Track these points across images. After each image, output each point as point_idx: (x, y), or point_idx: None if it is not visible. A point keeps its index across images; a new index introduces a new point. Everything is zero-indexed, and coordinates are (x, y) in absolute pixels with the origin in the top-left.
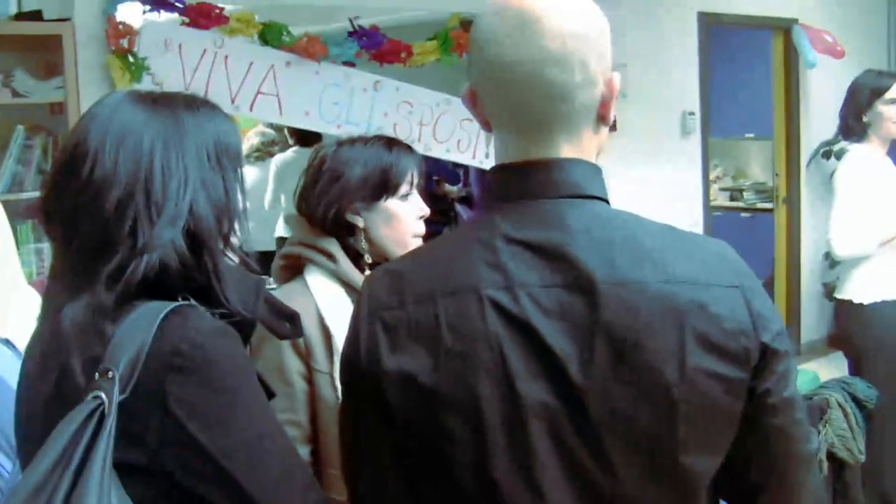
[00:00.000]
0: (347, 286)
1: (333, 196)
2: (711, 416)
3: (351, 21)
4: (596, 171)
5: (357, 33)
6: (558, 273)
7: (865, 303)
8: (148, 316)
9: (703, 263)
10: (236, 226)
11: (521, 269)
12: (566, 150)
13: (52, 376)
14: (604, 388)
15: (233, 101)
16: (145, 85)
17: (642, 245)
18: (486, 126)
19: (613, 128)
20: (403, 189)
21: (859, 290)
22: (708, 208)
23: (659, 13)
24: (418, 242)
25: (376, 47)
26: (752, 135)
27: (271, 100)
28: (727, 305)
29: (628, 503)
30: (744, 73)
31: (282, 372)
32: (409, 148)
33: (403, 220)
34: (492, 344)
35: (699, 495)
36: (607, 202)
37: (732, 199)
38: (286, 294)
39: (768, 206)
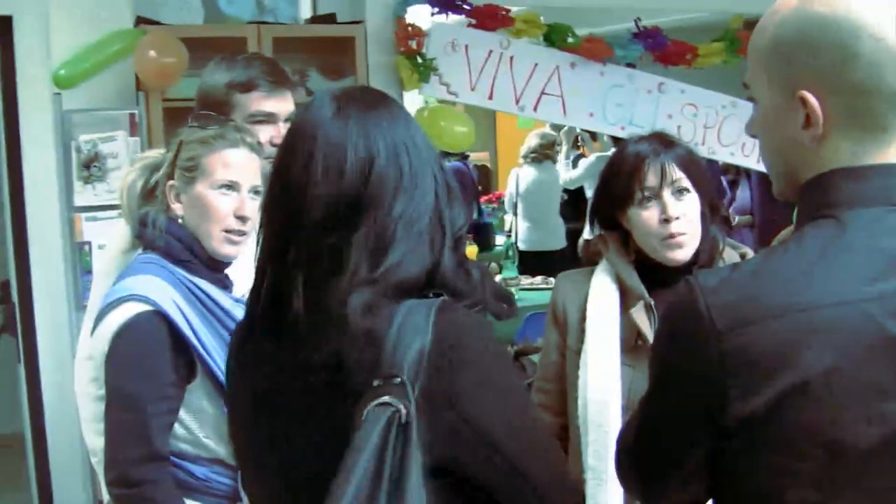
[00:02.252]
0: (617, 277)
1: (596, 197)
2: None
3: (636, 22)
4: None
5: (642, 34)
6: None
7: None
8: (418, 316)
9: None
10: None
11: None
12: None
13: (287, 372)
14: None
15: (517, 102)
16: (432, 85)
17: None
18: (812, 132)
19: None
20: (636, 196)
21: None
22: None
23: None
24: (668, 246)
25: (661, 48)
26: None
27: (555, 101)
28: None
29: None
30: None
31: (544, 345)
32: (660, 145)
33: (643, 227)
34: (876, 360)
35: None
36: None
37: None
38: (570, 274)
39: None
